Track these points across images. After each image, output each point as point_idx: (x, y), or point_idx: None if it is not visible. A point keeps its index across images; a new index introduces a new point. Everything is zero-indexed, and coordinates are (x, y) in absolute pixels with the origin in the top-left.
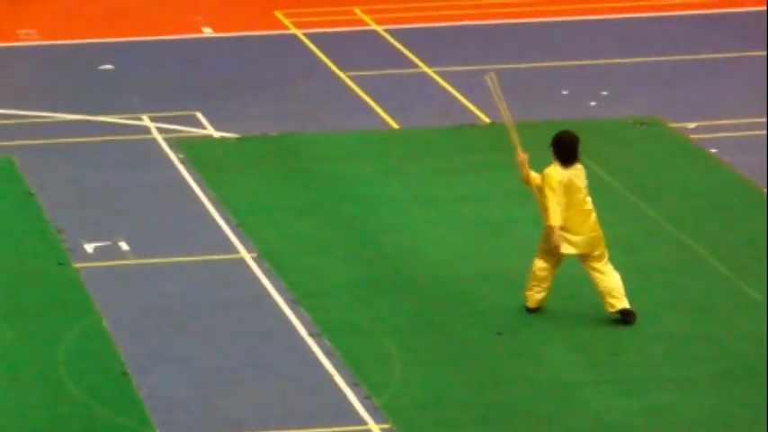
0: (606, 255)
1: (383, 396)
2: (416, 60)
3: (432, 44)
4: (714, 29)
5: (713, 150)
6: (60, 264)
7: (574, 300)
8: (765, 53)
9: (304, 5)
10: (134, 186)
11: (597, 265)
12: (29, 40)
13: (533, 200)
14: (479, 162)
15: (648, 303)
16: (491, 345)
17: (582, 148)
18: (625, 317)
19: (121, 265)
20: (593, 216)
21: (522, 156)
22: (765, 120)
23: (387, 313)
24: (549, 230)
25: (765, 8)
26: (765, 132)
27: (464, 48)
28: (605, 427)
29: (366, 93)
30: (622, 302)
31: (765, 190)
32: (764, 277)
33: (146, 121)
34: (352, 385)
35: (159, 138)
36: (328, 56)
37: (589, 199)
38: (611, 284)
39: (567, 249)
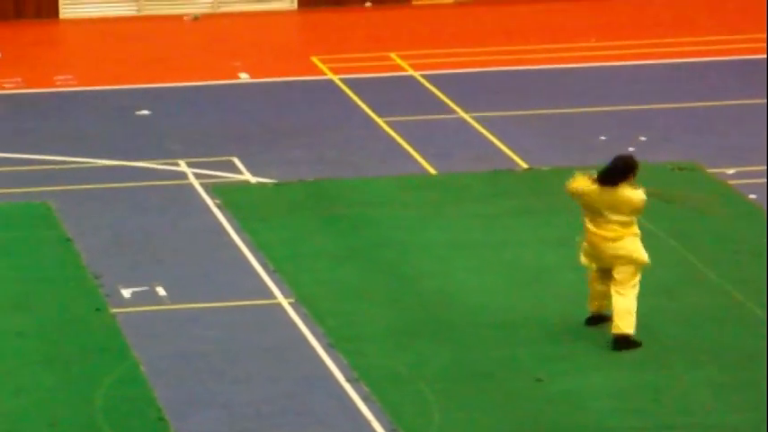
0: (632, 280)
1: None
2: (453, 106)
3: (469, 89)
4: (752, 75)
5: (752, 196)
6: (98, 309)
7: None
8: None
9: (341, 51)
10: (171, 232)
11: (618, 287)
12: (66, 85)
13: (571, 245)
14: (517, 207)
15: (690, 349)
16: (530, 391)
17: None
18: (615, 343)
19: (159, 311)
20: (616, 241)
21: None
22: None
23: (425, 359)
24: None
25: None
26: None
27: (501, 93)
28: None
29: (403, 138)
30: (621, 328)
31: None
32: None
33: (183, 166)
34: (391, 431)
35: (196, 183)
36: (365, 101)
37: (615, 226)
38: (620, 307)
39: (583, 261)
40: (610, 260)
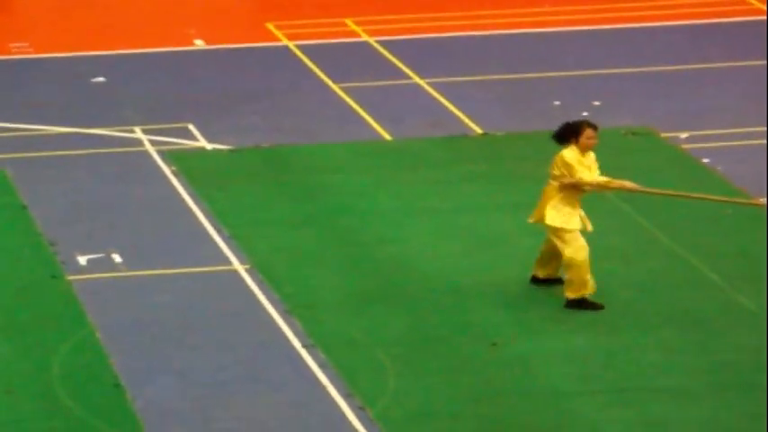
0: (564, 246)
1: (377, 407)
2: (408, 71)
3: (424, 55)
4: (705, 39)
5: (705, 160)
6: (53, 276)
7: (568, 311)
8: (766, 62)
9: (296, 17)
10: (127, 199)
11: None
12: (21, 53)
13: (526, 210)
14: (472, 172)
15: (642, 314)
16: (485, 356)
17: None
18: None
19: (115, 278)
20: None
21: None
22: (766, 129)
23: (380, 325)
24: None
25: (764, 17)
26: (765, 142)
27: (456, 59)
28: None
29: (358, 104)
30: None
31: (766, 201)
32: (760, 288)
33: (138, 133)
34: (346, 396)
35: (152, 150)
36: (320, 67)
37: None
38: (566, 274)
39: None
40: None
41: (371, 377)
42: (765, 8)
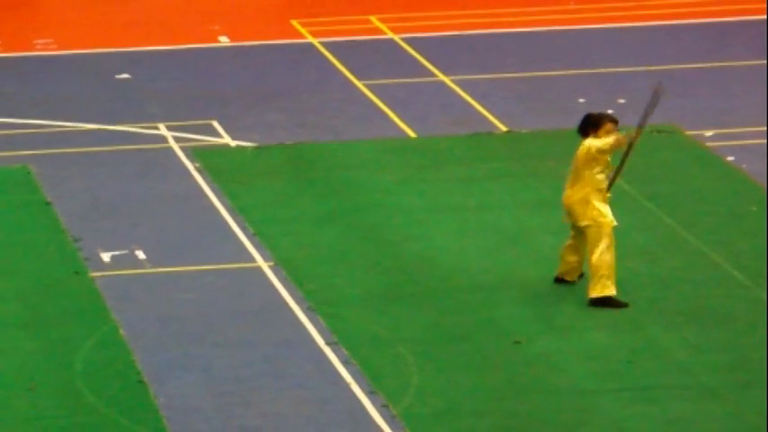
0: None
1: (400, 404)
2: (433, 69)
3: (448, 53)
4: (731, 37)
5: (730, 158)
6: (77, 273)
7: (591, 308)
8: (766, 62)
9: (320, 14)
10: (151, 195)
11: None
12: (46, 49)
13: (550, 208)
14: (496, 170)
15: (666, 311)
16: (508, 353)
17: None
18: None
19: (138, 274)
20: (568, 190)
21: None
22: (766, 129)
23: (404, 322)
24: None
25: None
26: (766, 142)
27: (480, 56)
28: None
29: (383, 101)
30: (589, 290)
31: (766, 189)
32: None
33: (162, 130)
34: (370, 394)
35: (176, 147)
36: (345, 64)
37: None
38: (590, 268)
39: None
40: (577, 218)
41: (395, 374)
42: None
